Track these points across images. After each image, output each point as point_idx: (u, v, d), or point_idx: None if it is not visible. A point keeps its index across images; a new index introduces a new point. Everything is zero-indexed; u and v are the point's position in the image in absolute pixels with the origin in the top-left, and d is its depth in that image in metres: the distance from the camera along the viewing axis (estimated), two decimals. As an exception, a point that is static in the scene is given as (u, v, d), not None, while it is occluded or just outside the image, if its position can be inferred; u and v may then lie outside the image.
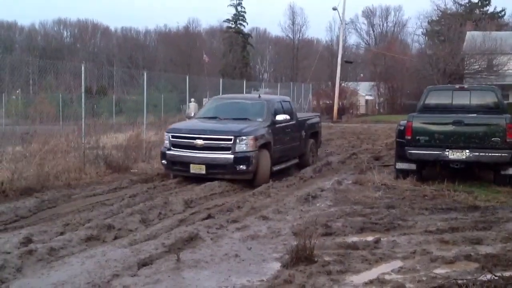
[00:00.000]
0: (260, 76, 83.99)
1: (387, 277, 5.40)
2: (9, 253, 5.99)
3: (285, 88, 33.86)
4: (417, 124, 11.02)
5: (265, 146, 11.27)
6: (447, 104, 11.95)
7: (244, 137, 10.69)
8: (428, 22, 65.48)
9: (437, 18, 64.09)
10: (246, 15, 73.73)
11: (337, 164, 14.58)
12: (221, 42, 77.48)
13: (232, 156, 10.62)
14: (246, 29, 75.08)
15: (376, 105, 61.70)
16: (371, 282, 5.25)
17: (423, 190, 10.14)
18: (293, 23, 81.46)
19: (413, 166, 11.14)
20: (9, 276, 5.40)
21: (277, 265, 5.85)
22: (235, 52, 69.93)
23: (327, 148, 18.72)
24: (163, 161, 11.35)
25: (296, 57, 78.35)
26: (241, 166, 10.61)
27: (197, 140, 10.78)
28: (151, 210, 8.16)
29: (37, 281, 5.36)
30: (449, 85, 25.93)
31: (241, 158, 10.61)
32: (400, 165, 11.35)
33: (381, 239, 6.79)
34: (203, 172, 10.68)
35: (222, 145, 10.76)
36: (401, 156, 11.24)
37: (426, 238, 6.87)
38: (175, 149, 11.08)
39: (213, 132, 10.99)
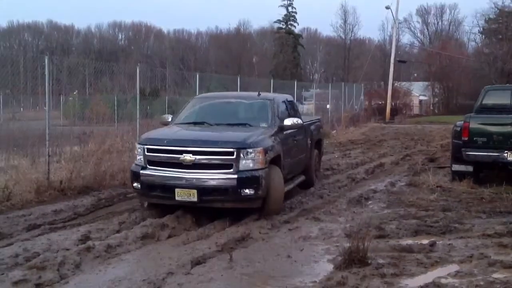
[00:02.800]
0: (311, 77, 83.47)
1: (443, 281, 5.27)
2: (68, 249, 6.19)
3: (336, 89, 33.57)
4: (474, 125, 10.71)
5: (275, 160, 8.29)
6: (506, 104, 11.53)
7: (250, 150, 7.64)
8: (485, 20, 63.43)
9: (495, 16, 62.00)
10: (297, 16, 73.48)
11: (390, 165, 14.34)
12: (271, 43, 77.52)
13: (235, 176, 7.52)
14: (297, 29, 74.85)
15: (431, 105, 60.30)
16: (426, 286, 5.14)
17: (480, 192, 9.83)
18: (344, 23, 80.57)
19: (470, 168, 10.82)
20: (68, 272, 5.57)
21: (329, 267, 5.81)
22: (286, 52, 69.84)
23: (379, 149, 18.45)
24: (135, 184, 8.01)
25: (348, 57, 77.54)
26: (247, 191, 7.52)
27: (184, 154, 7.60)
28: (203, 210, 8.27)
29: (95, 277, 5.52)
30: (507, 84, 25.07)
31: (248, 179, 7.54)
32: (456, 167, 11.05)
33: (437, 242, 6.63)
34: (194, 199, 7.50)
35: (221, 161, 7.68)
36: (458, 157, 10.94)
37: (484, 242, 6.66)
38: (153, 167, 7.87)
39: (208, 143, 7.86)
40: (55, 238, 6.81)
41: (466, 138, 10.67)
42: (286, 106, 10.00)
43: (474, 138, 10.61)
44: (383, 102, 42.16)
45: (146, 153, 7.95)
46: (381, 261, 5.89)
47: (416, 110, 55.82)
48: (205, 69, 63.70)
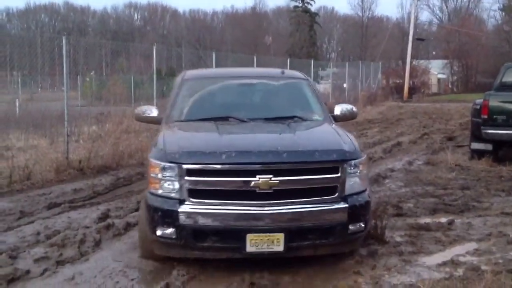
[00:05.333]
0: (327, 56, 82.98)
1: (461, 259, 5.25)
2: (88, 227, 6.27)
3: (353, 67, 33.32)
4: (494, 102, 10.57)
5: None
6: (526, 82, 11.35)
7: (356, 161, 4.91)
8: (506, -4, 62.28)
9: (516, -8, 60.83)
10: (313, -6, 72.75)
11: (408, 144, 14.25)
12: (288, 22, 76.90)
13: (343, 205, 4.78)
14: (313, 8, 73.88)
15: (449, 84, 59.65)
16: (444, 263, 5.12)
17: (499, 171, 9.76)
18: (362, 1, 79.68)
19: (489, 147, 10.71)
20: (89, 250, 5.65)
21: (347, 245, 5.80)
22: (302, 31, 69.22)
23: (397, 128, 18.32)
24: (166, 232, 4.72)
25: (365, 36, 76.69)
26: (357, 225, 4.87)
27: (260, 176, 4.61)
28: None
29: (114, 254, 5.58)
30: (528, 62, 24.66)
31: (359, 208, 4.88)
32: (475, 146, 10.94)
33: (455, 220, 6.60)
34: (279, 248, 4.66)
35: (319, 182, 4.79)
36: (477, 136, 10.83)
37: (503, 220, 6.62)
38: (201, 200, 4.70)
39: (297, 154, 4.81)
40: (75, 216, 6.90)
41: (485, 116, 10.55)
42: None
43: (494, 116, 10.48)
44: (401, 80, 41.75)
45: (187, 177, 4.64)
46: (399, 239, 5.88)
47: (434, 89, 55.25)
48: (221, 49, 63.48)
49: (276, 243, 4.60)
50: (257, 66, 18.62)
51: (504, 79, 11.56)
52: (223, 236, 4.66)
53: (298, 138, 5.17)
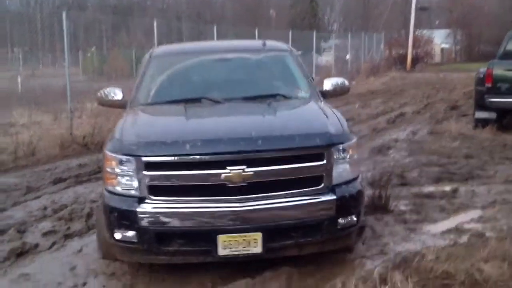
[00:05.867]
0: (330, 27, 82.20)
1: (466, 226, 5.29)
2: (94, 201, 6.31)
3: (355, 39, 33.04)
4: (498, 71, 10.50)
5: None
6: (531, 49, 11.25)
7: (345, 145, 4.24)
8: (510, -37, 61.36)
9: (520, -42, 59.92)
10: (314, -36, 71.81)
11: (412, 114, 14.20)
12: (289, -6, 76.12)
13: (330, 197, 4.12)
14: (314, -22, 73.26)
15: (453, 53, 59.16)
16: (449, 231, 5.16)
17: (503, 139, 9.74)
18: (363, -30, 78.59)
19: (493, 115, 10.68)
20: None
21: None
22: (303, 3, 68.59)
23: (400, 99, 18.25)
24: (124, 235, 4.08)
25: (367, 6, 75.87)
26: (348, 219, 4.22)
27: (230, 168, 3.93)
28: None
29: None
30: (532, 29, 24.37)
31: (350, 200, 4.22)
32: (479, 114, 10.91)
33: (459, 189, 6.62)
34: (257, 249, 4.02)
35: (301, 172, 4.11)
36: (481, 105, 10.79)
37: (507, 188, 6.64)
38: (163, 198, 4.05)
39: (274, 140, 4.13)
40: (81, 191, 6.95)
41: (489, 85, 10.49)
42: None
43: (498, 85, 10.42)
44: (404, 51, 41.42)
45: (146, 171, 3.99)
46: (403, 208, 5.91)
47: (437, 59, 54.81)
48: (221, 24, 62.98)
49: (252, 244, 3.95)
50: (258, 39, 18.48)
51: (508, 47, 11.44)
52: (191, 238, 4.03)
53: (278, 120, 4.46)
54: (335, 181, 4.13)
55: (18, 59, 25.70)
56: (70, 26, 11.70)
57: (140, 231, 3.99)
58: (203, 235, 4.00)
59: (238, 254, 3.98)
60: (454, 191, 6.51)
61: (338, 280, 3.91)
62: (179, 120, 4.67)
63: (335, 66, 28.83)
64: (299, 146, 4.05)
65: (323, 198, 4.07)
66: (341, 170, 4.17)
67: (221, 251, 3.96)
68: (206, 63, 5.79)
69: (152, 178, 3.98)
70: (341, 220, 4.12)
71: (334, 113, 4.67)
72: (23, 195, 6.81)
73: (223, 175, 3.88)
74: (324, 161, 4.07)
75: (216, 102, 5.00)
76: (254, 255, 4.02)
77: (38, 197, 6.73)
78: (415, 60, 40.45)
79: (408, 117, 13.80)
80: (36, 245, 5.02)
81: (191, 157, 3.95)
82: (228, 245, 3.94)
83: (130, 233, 4.02)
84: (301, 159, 4.03)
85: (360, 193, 4.31)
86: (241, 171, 3.87)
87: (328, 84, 5.53)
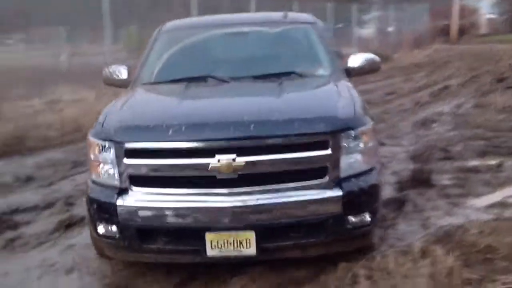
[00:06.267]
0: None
1: (510, 200, 5.17)
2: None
3: (398, 10, 32.26)
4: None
5: None
6: None
7: (357, 131, 3.63)
8: None
9: None
10: None
11: (456, 87, 13.86)
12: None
13: (336, 192, 3.53)
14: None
15: (499, 24, 57.20)
16: (493, 205, 5.06)
17: (551, 112, 9.44)
18: None
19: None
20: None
21: (392, 188, 5.78)
22: (345, -25, 67.28)
23: (445, 71, 17.83)
24: (106, 230, 3.71)
25: (410, -24, 73.89)
26: (360, 218, 3.65)
27: (219, 156, 3.42)
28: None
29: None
30: None
31: (361, 195, 3.63)
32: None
33: (505, 163, 6.45)
34: (250, 251, 3.51)
35: (302, 162, 3.52)
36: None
37: (555, 162, 6.46)
38: (146, 189, 3.62)
39: (269, 125, 3.56)
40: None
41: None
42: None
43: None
44: (448, 22, 40.30)
45: (126, 159, 3.58)
46: (446, 182, 5.83)
47: (484, 30, 53.13)
48: None
49: (245, 244, 3.46)
50: (298, 12, 18.29)
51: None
52: (176, 236, 3.60)
53: (281, 102, 3.89)
54: (343, 173, 3.54)
55: (61, 37, 26.19)
56: (111, 3, 11.81)
57: (120, 226, 3.58)
58: (189, 233, 3.55)
59: (229, 256, 3.51)
60: (499, 165, 6.36)
61: (377, 252, 3.89)
62: (172, 101, 4.24)
63: (377, 38, 28.32)
64: (299, 132, 3.46)
65: (327, 194, 3.49)
66: (351, 161, 3.58)
67: (210, 251, 3.49)
68: (218, 38, 5.31)
69: (133, 167, 3.54)
70: (350, 219, 3.56)
71: (351, 94, 4.08)
72: (69, 170, 7.02)
73: (210, 165, 3.39)
74: (329, 150, 3.48)
75: (223, 81, 4.56)
76: (248, 257, 3.53)
77: (84, 171, 6.91)
78: (460, 31, 39.34)
79: (452, 90, 13.48)
80: (83, 218, 5.18)
81: (174, 143, 3.48)
82: (217, 245, 3.47)
83: (111, 228, 3.64)
84: (301, 147, 3.46)
85: (374, 187, 3.69)
86: (231, 160, 3.37)
87: (355, 60, 4.90)
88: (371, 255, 3.84)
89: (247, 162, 3.39)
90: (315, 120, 3.56)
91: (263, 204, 3.45)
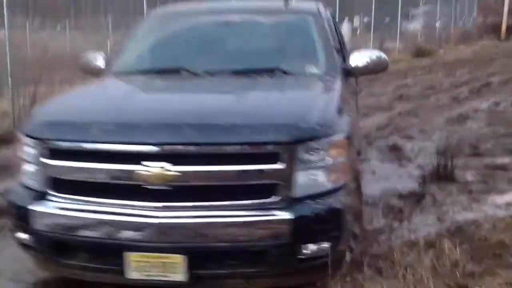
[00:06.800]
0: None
1: (534, 199, 5.09)
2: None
3: (446, 5, 31.55)
4: None
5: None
6: None
7: (317, 142, 2.98)
8: None
9: None
10: None
11: (498, 85, 13.53)
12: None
13: (286, 215, 2.89)
14: None
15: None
16: (514, 203, 4.99)
17: None
18: None
19: None
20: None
21: (414, 182, 5.75)
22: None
23: (489, 68, 17.40)
24: (22, 235, 3.20)
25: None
26: (314, 247, 2.97)
27: (149, 163, 2.88)
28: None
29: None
30: None
31: (318, 220, 2.97)
32: None
33: (535, 162, 6.33)
34: (180, 277, 2.92)
35: (247, 177, 2.92)
36: None
37: None
38: (66, 196, 3.09)
39: (210, 130, 2.97)
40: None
41: None
42: (335, 27, 5.20)
43: None
44: (498, 18, 39.13)
45: (45, 159, 3.12)
46: (470, 178, 5.76)
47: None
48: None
49: (172, 269, 2.91)
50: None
51: None
52: (97, 252, 3.09)
53: (241, 104, 3.34)
54: (297, 193, 2.93)
55: (108, 27, 26.74)
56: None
57: (35, 235, 3.11)
58: (109, 250, 3.02)
59: (154, 280, 2.96)
60: (529, 164, 6.24)
61: (384, 243, 3.92)
62: (120, 96, 3.72)
63: (423, 33, 27.82)
64: (243, 141, 2.89)
65: (274, 217, 2.89)
66: (310, 178, 2.97)
67: (132, 274, 2.95)
68: (203, 27, 4.83)
69: (53, 168, 3.08)
70: (302, 248, 2.94)
71: (331, 98, 3.54)
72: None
73: (136, 173, 2.88)
74: (281, 164, 2.88)
75: (196, 75, 4.07)
76: (177, 284, 2.97)
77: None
78: (510, 29, 38.16)
79: (493, 87, 13.17)
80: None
81: (99, 145, 3.00)
82: (140, 267, 2.94)
83: (27, 237, 3.17)
84: (246, 159, 2.89)
85: (338, 211, 3.00)
86: (161, 169, 2.84)
87: (357, 58, 4.23)
88: (379, 247, 3.88)
89: (181, 173, 2.85)
90: (265, 127, 2.95)
91: (198, 224, 2.90)
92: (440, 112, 9.86)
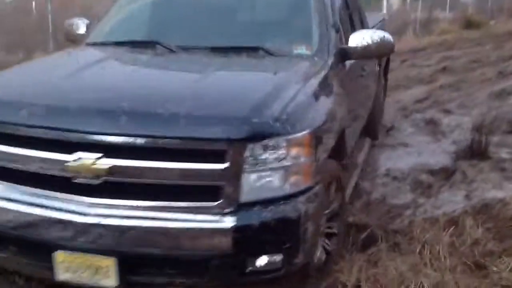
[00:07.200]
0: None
1: None
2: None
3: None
4: None
5: (332, 149, 3.10)
6: None
7: (272, 140, 2.57)
8: None
9: None
10: None
11: (549, 59, 13.00)
12: None
13: (227, 223, 2.55)
14: None
15: None
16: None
17: None
18: None
19: None
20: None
21: (447, 158, 5.66)
22: None
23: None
24: None
25: None
26: (268, 259, 2.66)
27: (80, 154, 2.56)
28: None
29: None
30: None
31: (268, 229, 2.59)
32: None
33: None
34: (111, 282, 2.64)
35: (184, 175, 2.55)
36: None
37: None
38: None
39: (142, 120, 2.61)
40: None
41: None
42: (346, 1, 4.68)
43: None
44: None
45: None
46: (505, 156, 5.61)
47: None
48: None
49: (103, 272, 2.63)
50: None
51: None
52: (24, 247, 2.80)
53: (195, 89, 2.93)
54: (245, 197, 2.57)
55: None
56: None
57: None
58: (38, 247, 2.72)
59: (83, 283, 2.69)
60: None
61: (406, 219, 3.91)
62: (69, 72, 3.26)
63: (475, 4, 26.84)
64: (182, 135, 2.53)
65: (214, 224, 2.55)
66: (262, 181, 2.58)
67: (60, 274, 2.68)
68: None
69: None
70: (249, 260, 2.63)
71: (307, 87, 3.05)
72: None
73: (65, 164, 2.57)
74: (225, 164, 2.51)
75: (169, 50, 3.63)
76: None
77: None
78: None
79: (545, 62, 12.66)
80: None
81: (25, 128, 2.68)
82: (68, 268, 2.65)
83: None
84: (186, 156, 2.52)
85: (293, 221, 2.62)
86: (92, 160, 2.53)
87: (357, 39, 3.66)
88: (399, 219, 3.87)
89: (114, 166, 2.53)
90: (210, 120, 2.57)
91: (129, 225, 2.58)
92: (483, 87, 9.56)
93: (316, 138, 2.74)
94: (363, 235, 3.32)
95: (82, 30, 4.22)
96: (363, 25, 5.13)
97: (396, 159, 5.65)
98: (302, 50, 3.65)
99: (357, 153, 4.75)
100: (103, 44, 3.96)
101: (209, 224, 2.54)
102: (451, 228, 3.55)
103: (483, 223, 3.65)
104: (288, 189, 2.62)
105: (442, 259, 3.12)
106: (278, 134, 2.56)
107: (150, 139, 2.53)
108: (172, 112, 2.60)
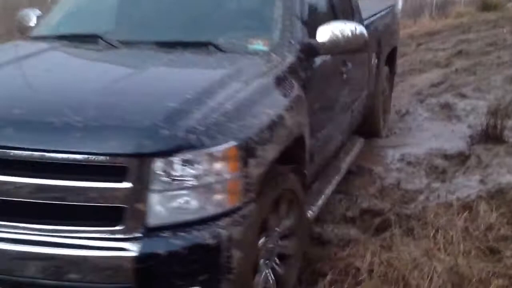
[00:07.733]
0: None
1: None
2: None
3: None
4: None
5: (292, 153, 2.83)
6: None
7: (185, 154, 2.18)
8: None
9: None
10: None
11: None
12: None
13: (129, 252, 2.15)
14: None
15: None
16: None
17: None
18: None
19: None
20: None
21: (462, 142, 5.64)
22: None
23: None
24: None
25: None
26: None
27: None
28: None
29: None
30: None
31: (180, 258, 2.19)
32: None
33: None
34: None
35: (77, 194, 2.17)
36: None
37: None
38: None
39: (30, 130, 2.26)
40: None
41: None
42: None
43: None
44: None
45: None
46: (520, 140, 5.60)
47: None
48: None
49: None
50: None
51: None
52: None
53: (101, 95, 2.51)
54: (152, 221, 2.20)
55: None
56: None
57: None
58: None
59: None
60: None
61: (420, 204, 3.92)
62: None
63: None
64: (73, 149, 2.17)
65: (112, 252, 2.19)
66: (173, 202, 2.22)
67: None
68: None
69: None
70: None
71: (246, 91, 2.66)
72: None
73: None
74: (128, 183, 2.16)
75: (110, 45, 3.23)
76: None
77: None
78: None
79: None
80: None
81: None
82: None
83: None
84: (81, 173, 2.19)
85: (210, 248, 2.23)
86: None
87: (324, 33, 3.20)
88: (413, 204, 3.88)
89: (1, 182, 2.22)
90: (108, 132, 2.23)
91: (15, 251, 2.22)
92: (499, 70, 9.46)
93: (247, 151, 2.32)
94: (377, 220, 3.34)
95: (32, 22, 3.82)
96: (353, 15, 4.53)
97: (411, 145, 5.65)
98: (258, 45, 3.18)
99: (343, 156, 4.28)
100: (44, 38, 3.52)
101: (107, 252, 2.17)
102: (465, 213, 3.55)
103: (497, 208, 3.65)
104: (209, 210, 2.24)
105: (456, 244, 3.14)
106: (191, 148, 2.19)
107: (36, 153, 2.17)
108: (65, 122, 2.23)
